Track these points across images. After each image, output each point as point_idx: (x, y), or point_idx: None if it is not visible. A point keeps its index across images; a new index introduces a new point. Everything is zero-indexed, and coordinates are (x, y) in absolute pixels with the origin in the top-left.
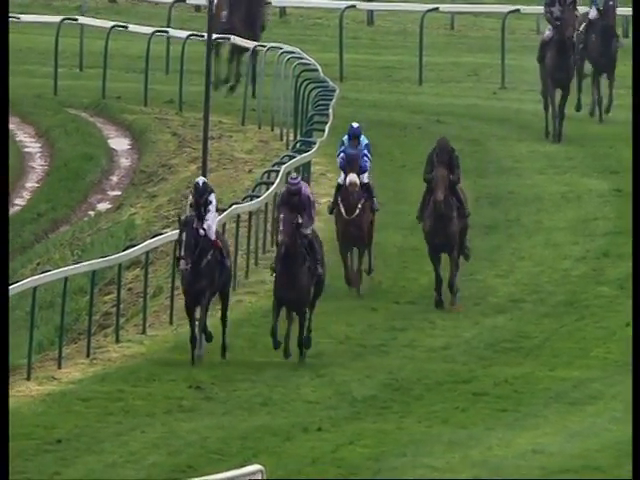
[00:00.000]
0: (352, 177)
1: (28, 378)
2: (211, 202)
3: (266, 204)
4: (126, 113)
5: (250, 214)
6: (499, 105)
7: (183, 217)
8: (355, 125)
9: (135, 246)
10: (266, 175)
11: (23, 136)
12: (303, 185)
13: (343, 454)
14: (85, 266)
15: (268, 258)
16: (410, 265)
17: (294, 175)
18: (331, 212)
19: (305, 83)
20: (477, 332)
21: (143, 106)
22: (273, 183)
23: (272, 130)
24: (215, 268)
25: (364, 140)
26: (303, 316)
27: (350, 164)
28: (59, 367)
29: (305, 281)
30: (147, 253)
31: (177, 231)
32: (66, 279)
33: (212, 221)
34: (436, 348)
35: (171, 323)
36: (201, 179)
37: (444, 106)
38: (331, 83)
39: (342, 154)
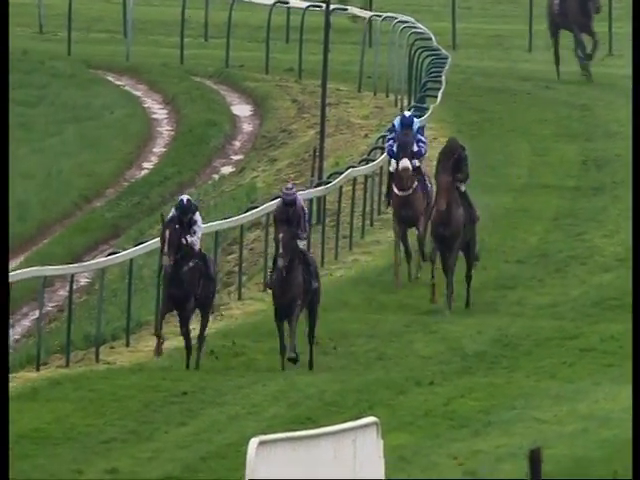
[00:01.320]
0: (404, 162)
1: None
2: (196, 222)
3: (381, 167)
4: (248, 81)
5: (366, 177)
6: (606, 71)
7: (167, 216)
8: (407, 114)
9: (256, 208)
10: (381, 140)
11: (151, 103)
12: (298, 196)
13: (454, 407)
14: (209, 227)
15: (383, 219)
16: (519, 226)
17: (289, 185)
18: (388, 204)
19: (419, 51)
20: (584, 290)
21: (264, 74)
22: None
23: (387, 96)
24: (198, 274)
25: (416, 124)
26: (295, 321)
27: (403, 149)
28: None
29: (297, 291)
30: (267, 215)
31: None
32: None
33: (197, 241)
34: (544, 305)
35: None
36: (185, 197)
37: (553, 73)
38: (444, 51)
39: (391, 141)
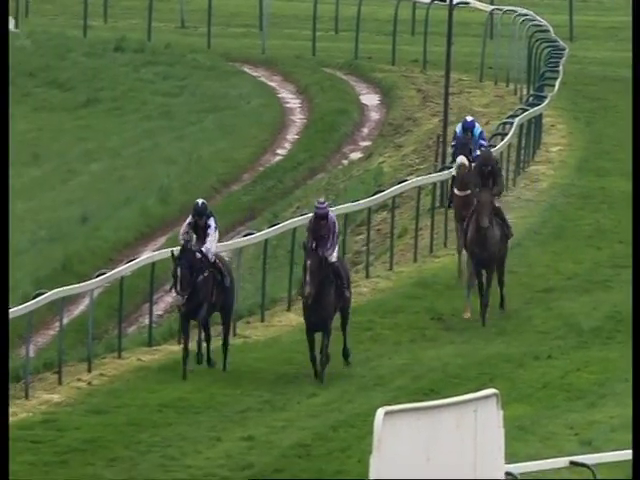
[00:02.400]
0: (461, 159)
1: (289, 309)
2: (210, 226)
3: (501, 152)
4: (376, 72)
5: None
6: None
7: (180, 237)
8: (469, 118)
9: (383, 191)
10: (501, 127)
11: (285, 93)
12: (330, 210)
13: (571, 379)
14: (339, 210)
15: (505, 202)
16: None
17: (322, 200)
18: (449, 205)
19: (537, 43)
20: None
21: (391, 65)
22: (507, 134)
23: (507, 86)
24: (211, 285)
25: (478, 129)
26: (328, 335)
27: (461, 149)
28: None
29: (331, 301)
30: (394, 198)
31: (417, 179)
32: None
33: (211, 244)
34: None
35: (415, 261)
36: (200, 200)
37: None
38: (561, 42)
39: (454, 142)
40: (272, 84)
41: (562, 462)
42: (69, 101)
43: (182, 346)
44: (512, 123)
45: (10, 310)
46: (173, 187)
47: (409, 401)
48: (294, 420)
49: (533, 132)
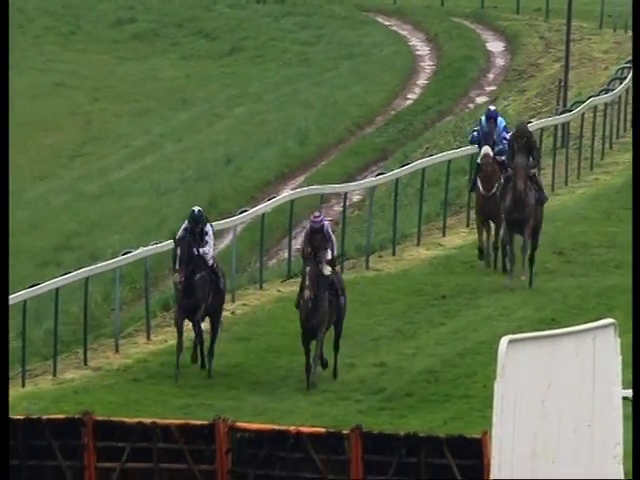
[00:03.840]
0: (486, 149)
1: (418, 244)
2: (207, 232)
3: (619, 96)
4: (501, 20)
5: (605, 105)
6: None
7: (178, 235)
8: (492, 108)
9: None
10: (620, 71)
11: (415, 41)
12: (325, 222)
13: None
14: (464, 151)
15: (620, 142)
16: None
17: (317, 213)
18: (471, 190)
19: None
20: None
21: (515, 14)
22: (626, 78)
23: (625, 32)
24: (208, 286)
25: (502, 122)
26: (322, 339)
27: (485, 139)
28: (443, 235)
29: (323, 317)
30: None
31: (448, 152)
32: (449, 162)
33: (209, 249)
34: None
35: None
36: (197, 208)
37: None
38: None
39: (476, 133)
40: (403, 33)
41: None
42: (215, 50)
43: (176, 342)
44: (630, 68)
45: (159, 245)
46: (311, 130)
47: (531, 330)
48: (423, 347)
49: None
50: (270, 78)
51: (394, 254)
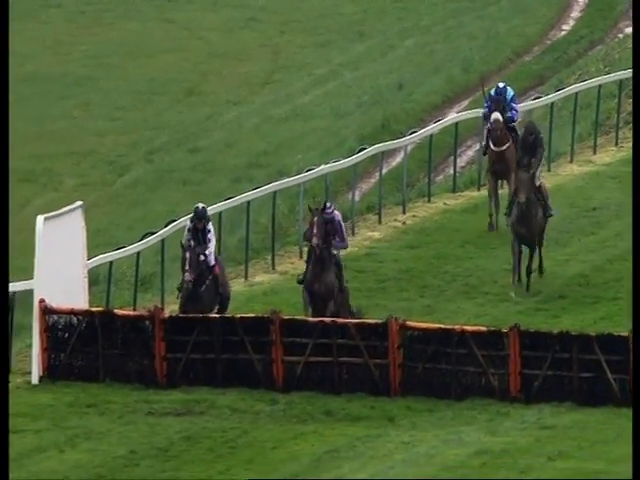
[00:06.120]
0: (496, 115)
1: (571, 161)
2: (210, 231)
3: None
4: None
5: None
6: None
7: (183, 240)
8: (501, 84)
9: None
10: None
11: None
12: (335, 213)
13: None
14: (613, 76)
15: None
16: None
17: (328, 204)
18: (484, 154)
19: None
20: None
21: None
22: None
23: None
24: (213, 296)
25: (510, 93)
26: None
27: (495, 105)
28: (594, 153)
29: (333, 278)
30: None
31: (599, 78)
32: (600, 87)
33: (211, 250)
34: None
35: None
36: (200, 205)
37: None
38: None
39: (487, 107)
40: None
41: None
42: None
43: None
44: None
45: (338, 162)
46: (474, 58)
47: None
48: (575, 254)
49: None
50: (438, 12)
51: (549, 170)
